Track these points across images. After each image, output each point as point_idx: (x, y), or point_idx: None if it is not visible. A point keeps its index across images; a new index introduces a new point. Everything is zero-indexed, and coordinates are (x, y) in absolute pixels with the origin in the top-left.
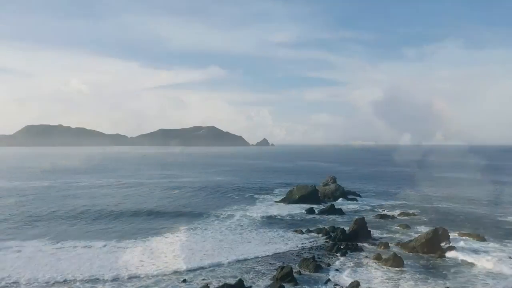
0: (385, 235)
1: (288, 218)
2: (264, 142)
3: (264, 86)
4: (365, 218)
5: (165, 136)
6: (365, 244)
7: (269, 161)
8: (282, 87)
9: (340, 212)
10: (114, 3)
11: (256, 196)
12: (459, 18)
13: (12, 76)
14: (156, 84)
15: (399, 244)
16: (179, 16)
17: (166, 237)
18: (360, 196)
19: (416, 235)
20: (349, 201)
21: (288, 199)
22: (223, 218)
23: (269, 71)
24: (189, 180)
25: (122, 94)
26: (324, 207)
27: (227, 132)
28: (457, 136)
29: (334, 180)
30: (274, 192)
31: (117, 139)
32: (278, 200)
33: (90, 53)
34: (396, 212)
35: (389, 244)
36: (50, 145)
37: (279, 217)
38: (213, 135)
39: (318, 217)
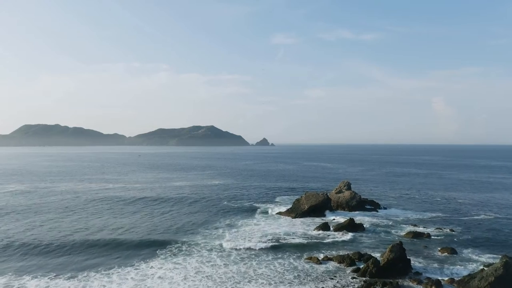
0: (429, 266)
1: (297, 237)
2: (264, 142)
3: (265, 85)
4: (394, 235)
5: (163, 135)
6: (409, 283)
7: (270, 162)
8: (284, 87)
9: (361, 228)
10: (113, 4)
11: (256, 205)
12: None
13: (10, 74)
14: (156, 84)
15: (455, 282)
16: (180, 17)
17: (136, 269)
18: (379, 206)
19: (469, 265)
20: (368, 213)
21: (295, 210)
22: (214, 238)
23: (269, 71)
24: (181, 185)
25: (120, 94)
26: (341, 222)
27: (226, 132)
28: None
29: (348, 186)
30: (277, 200)
31: (115, 138)
32: (283, 211)
33: (89, 52)
34: (430, 229)
35: (441, 282)
36: (47, 145)
37: (286, 236)
38: (213, 134)
39: (335, 235)
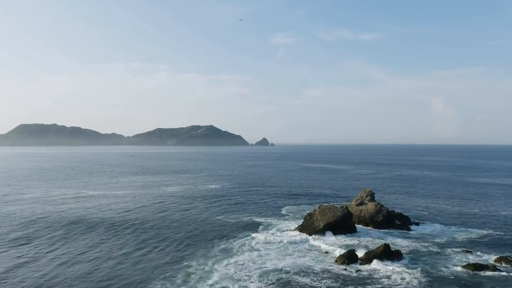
0: None
1: (313, 276)
2: (264, 142)
3: (265, 85)
4: (447, 270)
5: (162, 135)
6: None
7: (271, 163)
8: (284, 87)
9: (399, 257)
10: (112, 2)
11: (258, 219)
12: None
13: (9, 74)
14: (155, 83)
15: None
16: (180, 17)
17: None
18: (410, 221)
19: None
20: (399, 231)
21: (308, 229)
22: (198, 279)
23: (269, 71)
24: (170, 191)
25: (120, 94)
26: (372, 250)
27: (226, 132)
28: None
29: (372, 197)
30: (282, 212)
31: (113, 138)
32: (293, 229)
33: (89, 52)
34: (489, 255)
35: None
36: (43, 145)
37: (297, 276)
38: (212, 134)
39: (366, 271)
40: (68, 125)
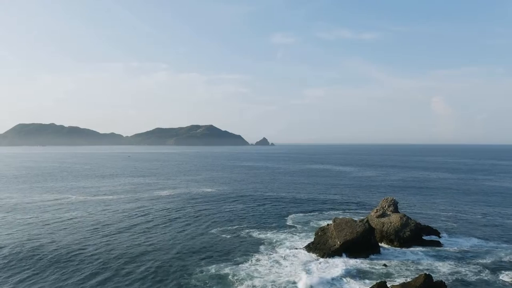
0: None
1: None
2: (264, 141)
3: (265, 85)
4: None
5: (161, 135)
6: None
7: (272, 164)
8: (284, 87)
9: None
10: (111, 2)
11: (258, 234)
12: None
13: (10, 74)
14: (155, 83)
15: None
16: (180, 17)
17: None
18: (440, 235)
19: None
20: (431, 250)
21: (321, 247)
22: None
23: (269, 71)
24: (161, 195)
25: (118, 93)
26: (408, 282)
27: (225, 131)
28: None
29: (395, 207)
30: (288, 222)
31: (112, 138)
32: (302, 248)
33: (88, 52)
34: None
35: None
36: (40, 145)
37: None
38: (212, 134)
39: None
40: (66, 125)
